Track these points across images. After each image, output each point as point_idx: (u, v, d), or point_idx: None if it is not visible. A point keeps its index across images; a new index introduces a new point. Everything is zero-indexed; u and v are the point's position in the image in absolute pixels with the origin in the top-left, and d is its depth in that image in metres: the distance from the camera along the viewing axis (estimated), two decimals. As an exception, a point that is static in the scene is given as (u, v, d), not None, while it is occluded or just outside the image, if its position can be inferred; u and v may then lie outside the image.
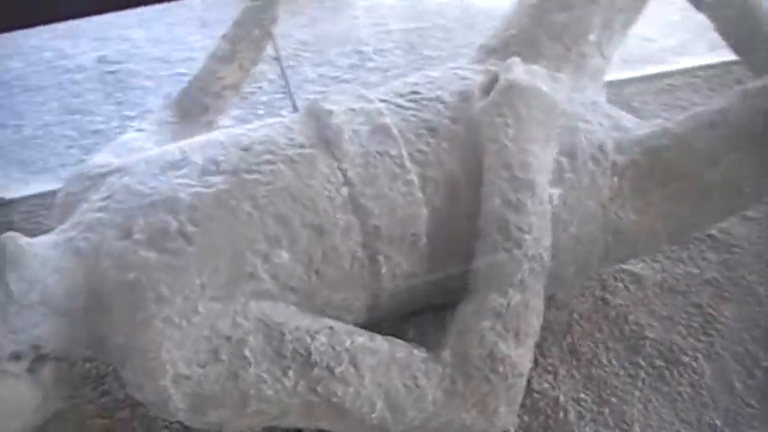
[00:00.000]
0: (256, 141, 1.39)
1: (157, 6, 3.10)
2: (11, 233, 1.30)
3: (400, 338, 1.34)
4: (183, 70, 2.90)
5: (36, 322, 1.25)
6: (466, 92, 1.48)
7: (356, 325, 1.34)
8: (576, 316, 1.59)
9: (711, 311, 1.59)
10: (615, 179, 1.45)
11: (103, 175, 1.44)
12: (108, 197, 1.36)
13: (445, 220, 1.38)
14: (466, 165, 1.39)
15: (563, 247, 1.42)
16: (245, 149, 1.38)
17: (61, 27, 3.26)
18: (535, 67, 1.48)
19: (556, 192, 1.41)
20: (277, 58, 1.81)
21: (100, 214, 1.33)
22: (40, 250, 1.29)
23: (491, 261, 1.32)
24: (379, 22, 3.26)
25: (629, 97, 2.28)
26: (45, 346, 1.27)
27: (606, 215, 1.44)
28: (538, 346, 1.50)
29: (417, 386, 1.26)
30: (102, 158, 1.53)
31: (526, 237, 1.31)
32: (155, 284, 1.24)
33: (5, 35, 3.21)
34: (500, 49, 1.65)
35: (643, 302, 1.62)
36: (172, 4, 3.16)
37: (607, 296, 1.63)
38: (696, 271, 1.68)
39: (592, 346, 1.53)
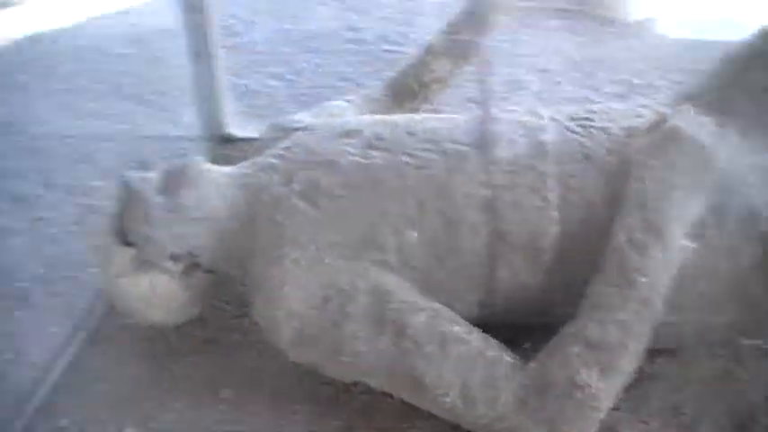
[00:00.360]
0: (423, 129, 1.52)
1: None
2: (198, 158, 1.53)
3: (515, 347, 1.41)
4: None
5: (197, 234, 1.47)
6: (633, 128, 1.50)
7: (467, 320, 1.43)
8: (692, 377, 1.56)
9: None
10: (760, 249, 1.41)
11: (294, 130, 1.64)
12: (287, 148, 1.55)
13: (574, 244, 1.43)
14: (608, 197, 1.43)
15: (687, 303, 1.42)
16: (411, 134, 1.51)
17: (354, 1, 3.56)
18: (704, 119, 1.47)
19: (690, 245, 1.40)
20: (481, 63, 1.90)
21: (274, 160, 1.53)
22: (216, 176, 1.51)
23: (601, 292, 1.35)
24: (660, 58, 3.23)
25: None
26: (200, 256, 1.49)
27: (740, 284, 1.42)
28: (641, 394, 1.52)
29: (494, 386, 1.33)
30: (301, 116, 1.74)
31: (642, 279, 1.33)
32: (295, 229, 1.42)
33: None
34: (695, 97, 1.64)
35: (773, 387, 1.55)
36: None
37: (736, 369, 1.57)
38: None
39: (697, 411, 1.49)
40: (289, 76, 3.07)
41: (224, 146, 2.23)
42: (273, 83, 3.02)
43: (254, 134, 2.24)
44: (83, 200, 2.82)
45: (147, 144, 2.86)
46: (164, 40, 3.44)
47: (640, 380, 1.55)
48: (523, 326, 1.54)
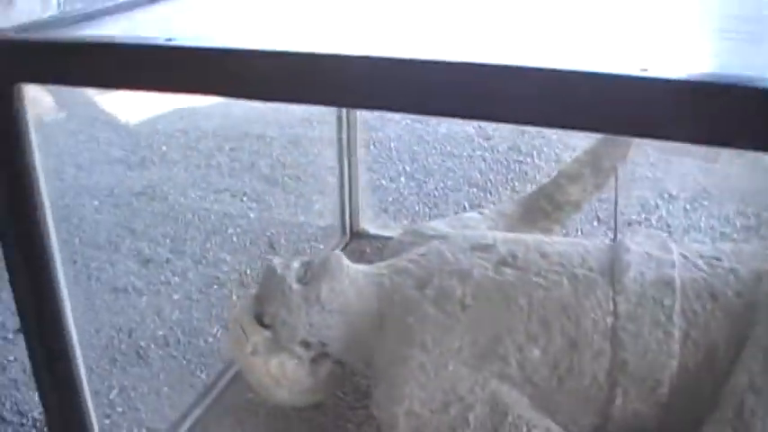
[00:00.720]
0: (555, 253, 1.58)
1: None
2: (338, 252, 1.63)
3: None
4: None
5: (330, 325, 1.56)
6: (763, 272, 1.53)
7: (579, 441, 1.47)
8: None
9: None
10: None
11: (430, 237, 1.73)
12: (423, 255, 1.63)
13: (692, 380, 1.45)
14: (732, 339, 1.45)
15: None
16: (543, 256, 1.57)
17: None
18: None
19: (813, 398, 1.41)
20: (615, 194, 1.96)
21: (410, 265, 1.61)
22: (355, 273, 1.60)
23: (716, 431, 1.37)
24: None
25: None
26: (330, 345, 1.58)
27: None
28: None
29: None
30: (437, 224, 1.83)
31: (757, 423, 1.34)
32: (424, 333, 1.49)
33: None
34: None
35: None
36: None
37: None
38: None
39: None
40: (418, 176, 3.18)
41: (356, 240, 2.33)
42: (403, 180, 3.13)
43: (385, 232, 2.34)
44: (209, 270, 2.97)
45: (277, 225, 3.01)
46: (303, 128, 3.64)
47: None
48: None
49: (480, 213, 1.97)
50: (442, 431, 1.43)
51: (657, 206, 3.10)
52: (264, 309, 1.59)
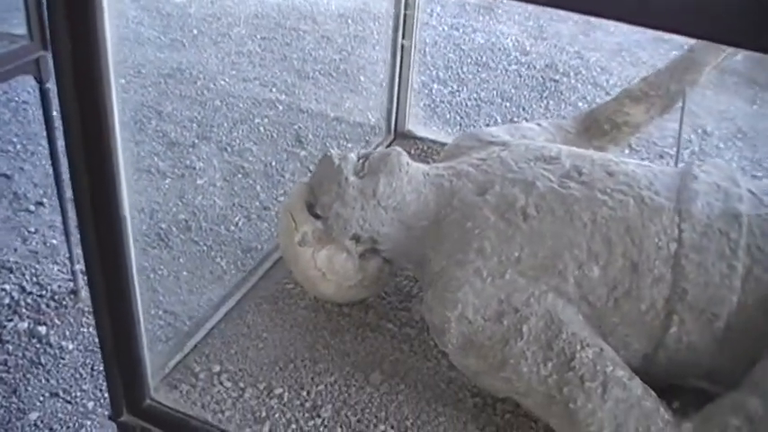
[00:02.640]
0: (621, 172, 1.54)
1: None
2: (399, 148, 1.58)
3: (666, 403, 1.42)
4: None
5: (384, 222, 1.52)
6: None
7: (629, 367, 1.45)
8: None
9: None
10: None
11: (490, 143, 1.68)
12: (484, 160, 1.59)
13: (750, 317, 1.43)
14: None
15: None
16: (610, 174, 1.53)
17: (530, 24, 3.59)
18: None
19: None
20: (680, 120, 1.91)
21: (471, 169, 1.57)
22: (414, 171, 1.56)
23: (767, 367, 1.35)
24: None
25: None
26: (381, 243, 1.54)
27: None
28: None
29: (647, 436, 1.35)
30: (497, 130, 1.77)
31: (813, 369, 1.33)
32: (483, 239, 1.45)
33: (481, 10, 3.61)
34: None
35: None
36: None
37: None
38: None
39: None
40: (451, 83, 3.12)
41: (401, 141, 2.29)
42: (435, 86, 3.07)
43: (431, 135, 2.29)
44: (234, 158, 2.94)
45: (305, 119, 2.95)
46: (337, 24, 3.55)
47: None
48: (679, 385, 1.55)
49: (539, 125, 1.92)
50: (494, 340, 1.41)
51: (691, 141, 3.07)
52: (318, 199, 1.55)
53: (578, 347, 1.39)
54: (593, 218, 1.46)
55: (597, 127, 1.94)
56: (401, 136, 2.29)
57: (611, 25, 3.65)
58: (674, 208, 1.48)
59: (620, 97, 1.95)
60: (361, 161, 1.57)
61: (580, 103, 3.09)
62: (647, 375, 1.46)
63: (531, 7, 3.80)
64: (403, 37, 2.15)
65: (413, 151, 2.17)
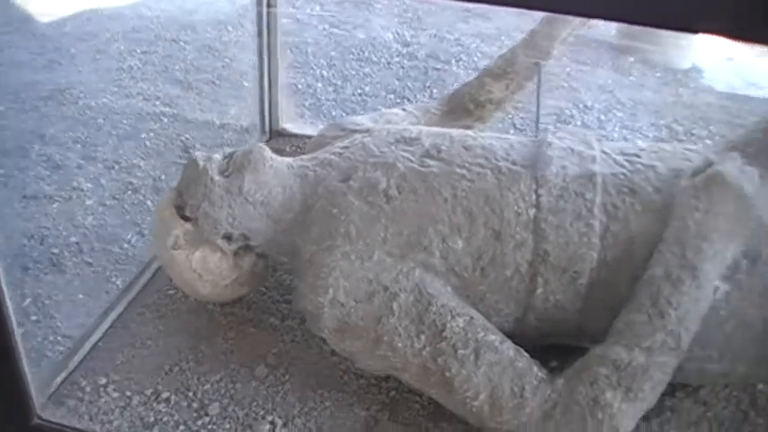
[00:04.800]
0: (479, 146, 1.58)
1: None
2: (261, 144, 1.60)
3: (543, 363, 1.47)
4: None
5: (252, 217, 1.54)
6: (681, 170, 1.56)
7: (502, 332, 1.49)
8: (709, 414, 1.60)
9: None
10: (791, 301, 1.48)
11: (353, 131, 1.72)
12: (347, 147, 1.62)
13: (611, 272, 1.49)
14: (649, 231, 1.49)
15: (712, 342, 1.48)
16: (467, 149, 1.57)
17: (408, 15, 3.64)
18: (749, 168, 1.54)
19: (723, 287, 1.46)
20: (537, 91, 1.98)
21: (334, 157, 1.60)
22: (278, 165, 1.58)
23: (632, 319, 1.41)
24: (704, 108, 3.28)
25: None
26: (253, 239, 1.56)
27: (766, 328, 1.48)
28: (659, 423, 1.58)
29: (522, 395, 1.40)
30: (360, 119, 1.81)
31: (671, 312, 1.39)
32: (348, 224, 1.48)
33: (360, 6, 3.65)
34: (740, 147, 1.71)
35: (785, 433, 1.61)
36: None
37: (751, 412, 1.62)
38: None
39: (710, 446, 1.56)
40: (335, 81, 3.15)
41: (276, 139, 2.30)
42: (320, 86, 3.09)
43: (306, 131, 2.31)
44: (122, 176, 2.90)
45: (191, 129, 2.93)
46: (216, 31, 3.54)
47: (660, 411, 1.61)
48: (554, 345, 1.60)
49: (404, 110, 1.96)
50: (367, 320, 1.44)
51: (573, 116, 3.14)
52: (186, 202, 1.56)
53: (449, 318, 1.43)
54: (454, 192, 1.50)
55: (462, 107, 1.99)
56: (276, 134, 2.31)
57: (490, 11, 3.72)
58: (530, 175, 1.53)
59: (481, 76, 2.01)
60: (225, 160, 1.59)
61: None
62: (520, 337, 1.52)
63: (408, -1, 3.87)
64: (268, 37, 2.17)
65: (288, 148, 2.19)
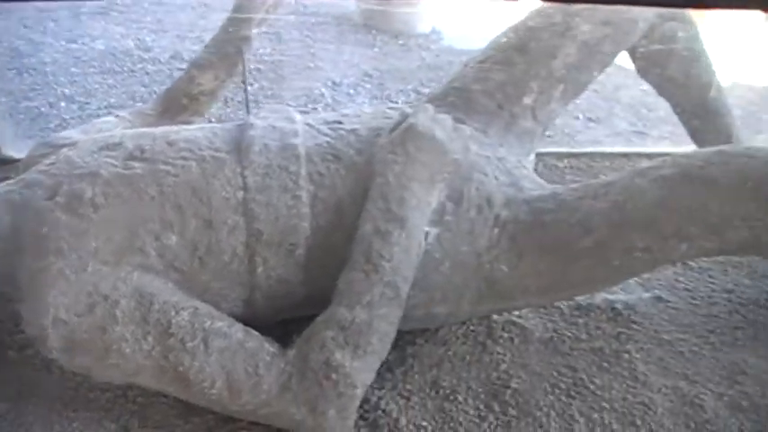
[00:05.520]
0: (182, 139, 1.59)
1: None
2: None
3: (283, 340, 1.50)
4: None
5: None
6: (381, 128, 1.63)
7: (234, 317, 1.51)
8: (450, 353, 1.69)
9: (583, 376, 1.65)
10: (496, 231, 1.57)
11: (60, 146, 1.68)
12: (52, 164, 1.58)
13: (326, 238, 1.53)
14: (357, 193, 1.54)
15: (433, 284, 1.55)
16: (170, 144, 1.57)
17: (148, 19, 3.58)
18: (442, 116, 1.62)
19: (433, 231, 1.54)
20: (243, 75, 2.01)
21: (40, 176, 1.56)
22: None
23: (349, 279, 1.46)
24: (447, 67, 3.40)
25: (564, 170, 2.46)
26: (-32, 274, 1.50)
27: (480, 263, 1.56)
28: (403, 372, 1.64)
29: (257, 374, 1.42)
30: (69, 133, 1.78)
31: (385, 264, 1.45)
32: (58, 240, 1.45)
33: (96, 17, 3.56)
34: (440, 98, 1.80)
35: (522, 355, 1.69)
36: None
37: (488, 342, 1.72)
38: (585, 337, 1.75)
39: (455, 383, 1.62)
40: (79, 98, 3.06)
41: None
42: (63, 104, 3.00)
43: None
44: None
45: None
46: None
47: (402, 360, 1.68)
48: (295, 319, 1.63)
49: (117, 116, 1.94)
50: (92, 333, 1.42)
51: (323, 95, 3.19)
52: None
53: (173, 313, 1.43)
54: (160, 189, 1.50)
55: (176, 103, 1.99)
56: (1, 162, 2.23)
57: (228, 3, 3.71)
58: (234, 159, 1.55)
59: (189, 70, 2.01)
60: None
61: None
62: (254, 318, 1.54)
63: (146, 3, 3.79)
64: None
65: (13, 175, 2.11)
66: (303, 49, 3.49)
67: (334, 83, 3.31)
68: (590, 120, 3.32)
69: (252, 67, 3.38)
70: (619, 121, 3.33)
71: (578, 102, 3.46)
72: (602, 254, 1.54)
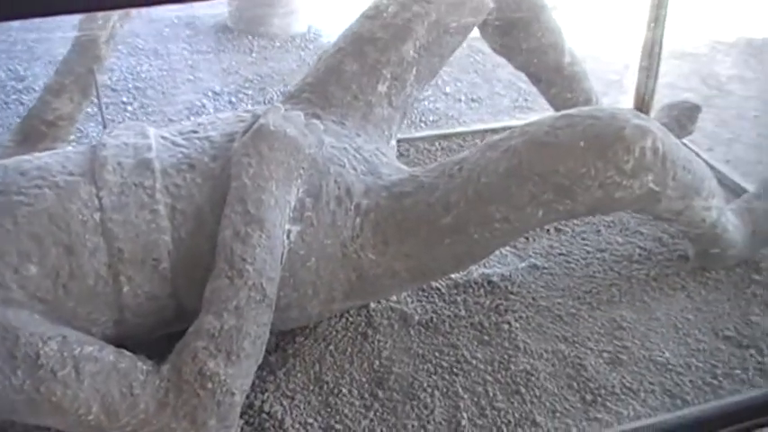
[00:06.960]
0: (34, 167, 1.56)
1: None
2: None
3: (165, 356, 1.49)
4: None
5: None
6: (234, 133, 1.63)
7: (107, 340, 1.49)
8: (331, 348, 1.70)
9: (465, 352, 1.68)
10: (358, 220, 1.59)
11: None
12: None
13: (189, 249, 1.53)
14: (215, 199, 1.54)
15: (303, 281, 1.56)
16: (22, 174, 1.55)
17: (18, 48, 3.51)
18: (293, 113, 1.63)
19: (294, 228, 1.55)
20: (97, 95, 1.99)
21: None
22: None
23: (215, 286, 1.45)
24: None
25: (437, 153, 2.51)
26: None
27: (346, 254, 1.58)
28: (285, 372, 1.65)
29: (132, 394, 1.40)
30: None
31: (248, 267, 1.45)
32: None
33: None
34: (296, 96, 1.81)
35: (403, 340, 1.72)
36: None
37: (369, 331, 1.74)
38: (464, 313, 1.78)
39: (338, 376, 1.63)
40: None
41: None
42: None
43: None
44: None
45: None
46: None
47: (284, 360, 1.68)
48: (176, 334, 1.61)
49: (-24, 149, 1.90)
50: (-43, 374, 1.39)
51: (204, 106, 3.18)
52: None
53: (40, 344, 1.40)
54: (14, 221, 1.48)
55: (35, 131, 1.95)
56: None
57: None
58: (88, 181, 1.53)
59: (43, 95, 1.98)
60: None
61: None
62: (127, 338, 1.52)
63: (14, 31, 3.71)
64: None
65: None
66: (181, 62, 3.48)
67: (215, 92, 3.31)
68: (473, 101, 3.38)
69: (131, 86, 3.36)
70: (500, 99, 3.40)
71: (459, 84, 3.55)
72: (463, 229, 1.57)
